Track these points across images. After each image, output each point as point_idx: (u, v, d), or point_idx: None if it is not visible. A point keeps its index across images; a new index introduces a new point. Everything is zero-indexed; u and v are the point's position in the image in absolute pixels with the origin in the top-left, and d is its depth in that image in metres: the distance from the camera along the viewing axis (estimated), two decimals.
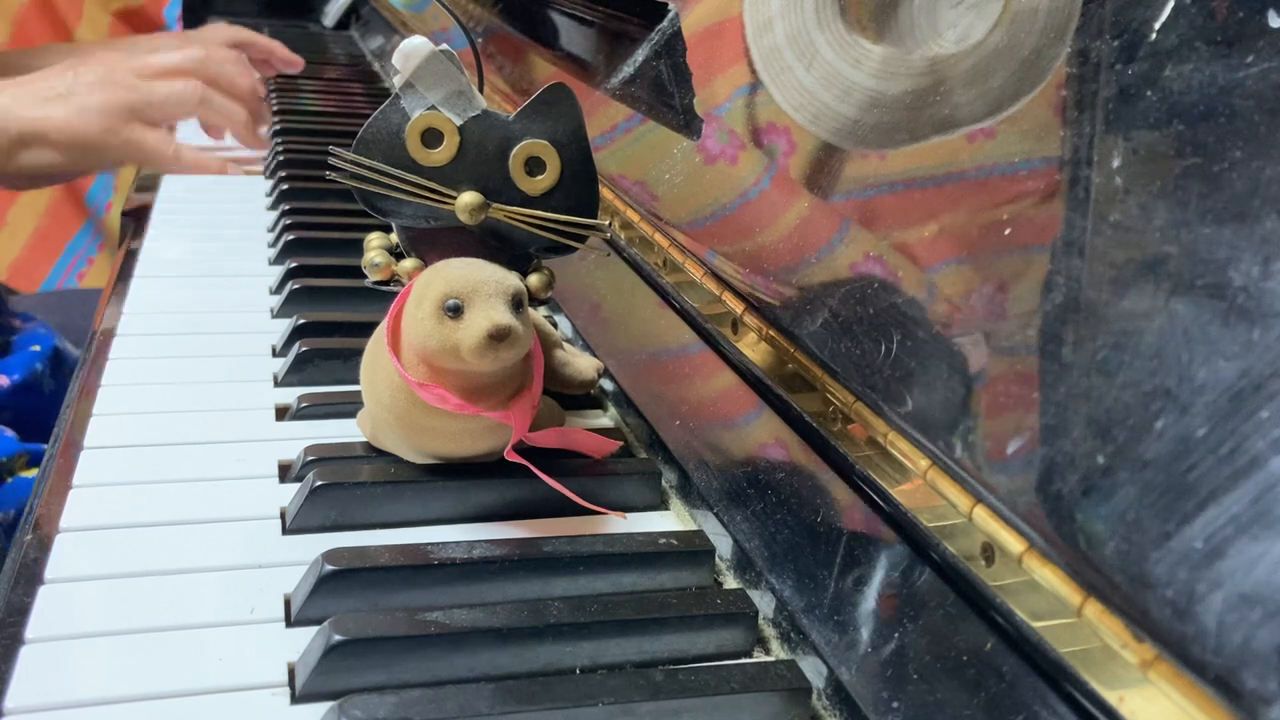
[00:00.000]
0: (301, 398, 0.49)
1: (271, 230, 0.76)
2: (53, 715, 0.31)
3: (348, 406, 0.48)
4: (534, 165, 0.41)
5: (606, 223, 0.43)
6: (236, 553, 0.39)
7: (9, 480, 0.73)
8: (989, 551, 0.30)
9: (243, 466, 0.45)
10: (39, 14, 1.65)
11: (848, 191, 0.40)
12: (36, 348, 0.87)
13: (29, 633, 0.34)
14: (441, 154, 0.41)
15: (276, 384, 0.52)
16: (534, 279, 0.43)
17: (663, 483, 0.45)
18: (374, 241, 0.44)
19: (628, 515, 0.43)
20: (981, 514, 0.30)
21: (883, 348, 0.35)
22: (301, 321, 0.55)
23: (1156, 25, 0.28)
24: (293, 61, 1.12)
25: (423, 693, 0.32)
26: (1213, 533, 0.23)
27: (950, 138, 0.35)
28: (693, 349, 0.49)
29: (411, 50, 0.40)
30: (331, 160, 0.41)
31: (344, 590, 0.36)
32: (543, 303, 0.47)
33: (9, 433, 0.76)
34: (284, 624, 0.36)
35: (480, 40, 0.89)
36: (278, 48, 1.11)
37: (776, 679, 0.34)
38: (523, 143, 0.41)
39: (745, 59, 0.48)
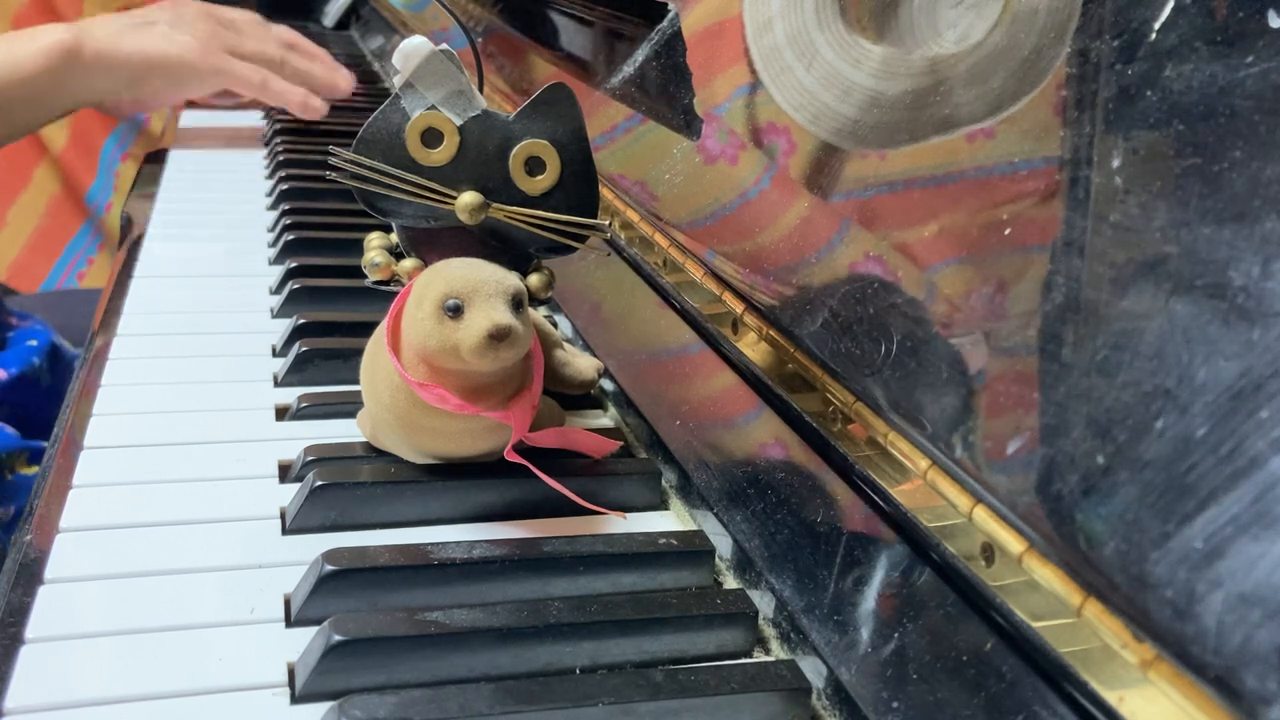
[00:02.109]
0: (301, 398, 0.49)
1: (271, 230, 0.76)
2: (53, 715, 0.31)
3: (348, 406, 0.48)
4: (534, 165, 0.41)
5: (606, 223, 0.43)
6: (236, 553, 0.39)
7: (9, 477, 0.73)
8: (989, 551, 0.30)
9: (243, 466, 0.45)
10: (39, 13, 1.65)
11: (848, 191, 0.40)
12: (34, 343, 0.87)
13: (29, 633, 0.34)
14: (441, 154, 0.41)
15: (276, 384, 0.52)
16: (534, 279, 0.43)
17: (663, 483, 0.45)
18: (374, 241, 0.44)
19: (628, 515, 0.43)
20: (981, 514, 0.30)
21: (883, 348, 0.35)
22: (301, 321, 0.55)
23: (1156, 25, 0.28)
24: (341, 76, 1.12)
25: (423, 693, 0.32)
26: (1213, 533, 0.23)
27: (950, 138, 0.35)
28: (693, 349, 0.49)
29: (411, 50, 0.40)
30: (331, 160, 0.41)
31: (344, 590, 0.36)
32: (543, 303, 0.47)
33: (10, 430, 0.76)
34: (284, 624, 0.36)
35: (480, 40, 0.89)
36: (323, 55, 1.10)
37: (776, 679, 0.34)
38: (523, 143, 0.41)
39: (745, 59, 0.48)
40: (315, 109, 0.95)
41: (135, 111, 0.93)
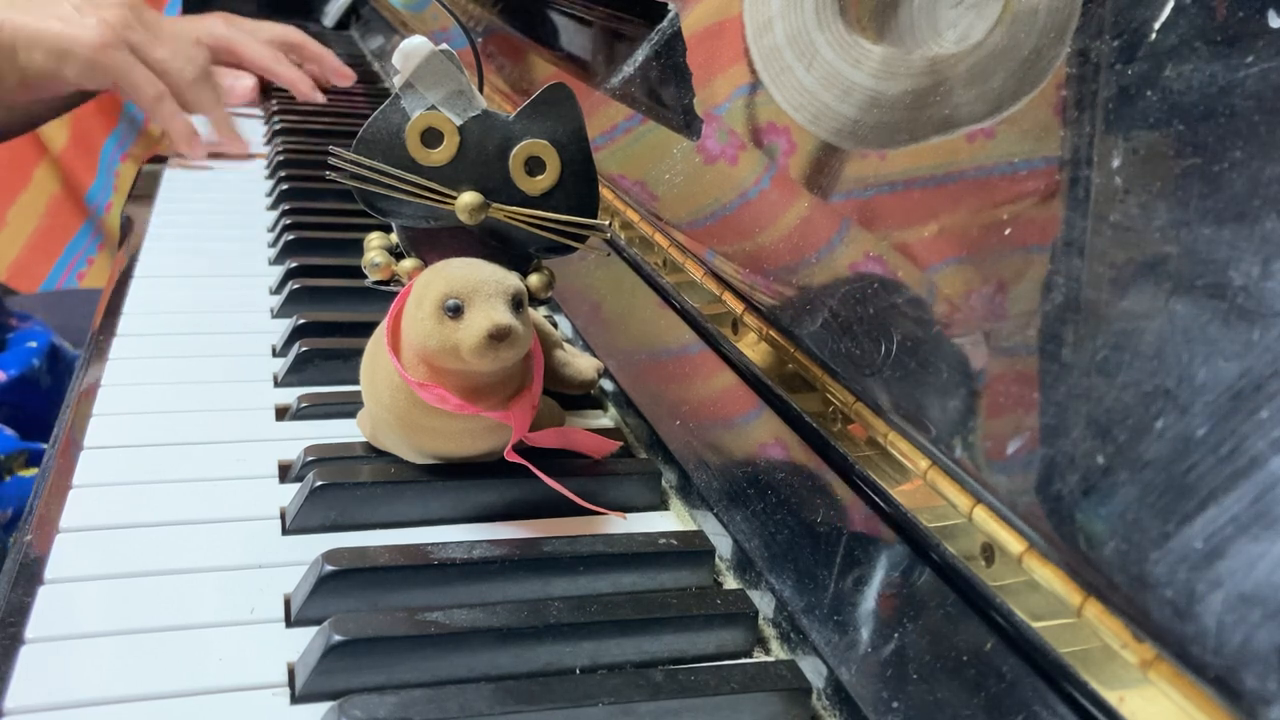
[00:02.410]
0: (301, 398, 0.49)
1: (271, 230, 0.76)
2: (53, 715, 0.31)
3: (348, 406, 0.48)
4: (534, 165, 0.41)
5: (606, 223, 0.43)
6: (236, 553, 0.39)
7: (7, 479, 0.73)
8: (989, 551, 0.30)
9: (243, 466, 0.45)
10: None
11: (848, 191, 0.40)
12: (33, 344, 0.87)
13: (29, 633, 0.34)
14: (441, 154, 0.41)
15: (276, 384, 0.52)
16: (534, 279, 0.43)
17: (663, 483, 0.45)
18: (374, 241, 0.44)
19: (628, 515, 0.43)
20: (981, 514, 0.30)
21: (883, 348, 0.35)
22: (301, 321, 0.55)
23: (1156, 25, 0.28)
24: (344, 73, 1.07)
25: (423, 693, 0.32)
26: (1213, 533, 0.23)
27: (950, 138, 0.35)
28: (693, 349, 0.49)
29: (411, 50, 0.40)
30: (331, 160, 0.41)
31: (344, 590, 0.36)
32: (543, 303, 0.47)
33: (9, 431, 0.76)
34: (284, 624, 0.36)
35: (480, 40, 0.89)
36: (329, 56, 1.06)
37: (776, 679, 0.34)
38: (523, 143, 0.41)
39: (745, 59, 0.48)
40: (198, 149, 0.88)
41: (22, 96, 0.84)
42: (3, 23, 0.80)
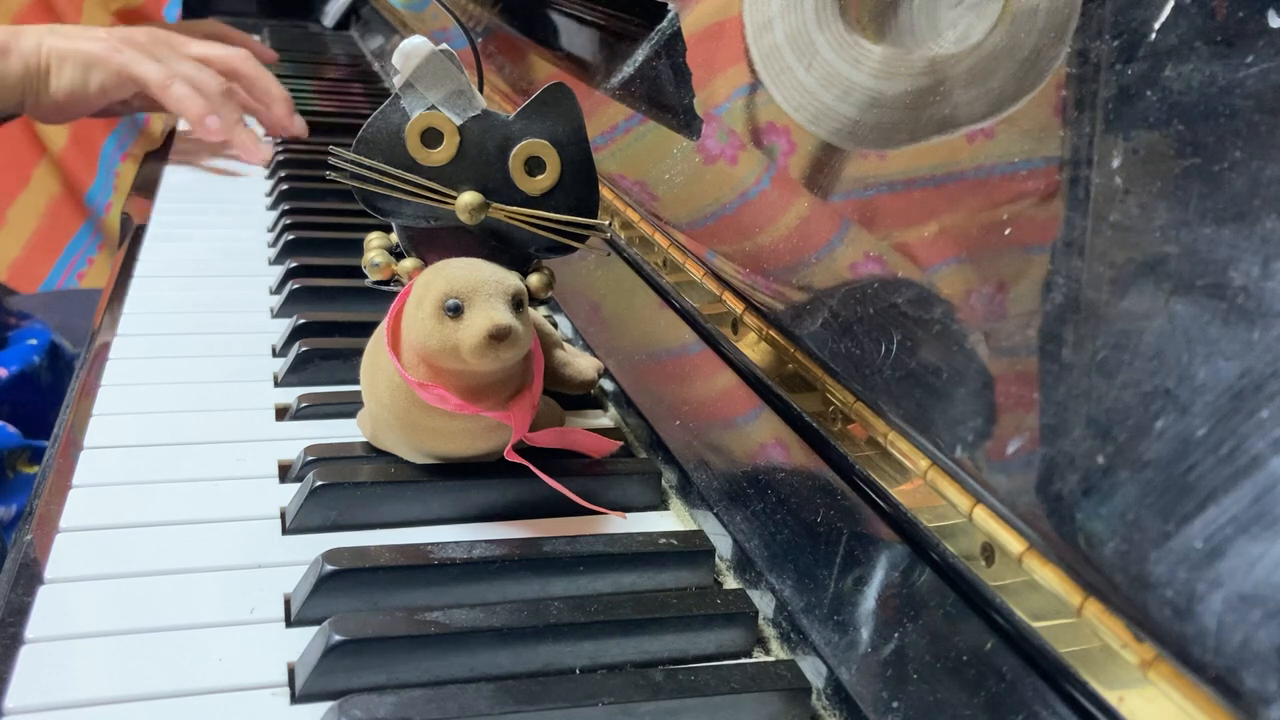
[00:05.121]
0: (301, 398, 0.49)
1: (271, 230, 0.76)
2: (53, 715, 0.31)
3: (348, 406, 0.48)
4: (534, 165, 0.41)
5: (606, 223, 0.43)
6: (236, 553, 0.39)
7: (11, 476, 0.73)
8: (989, 551, 0.30)
9: (243, 466, 0.45)
10: (39, 13, 1.65)
11: (848, 191, 0.40)
12: (34, 341, 0.87)
13: (29, 633, 0.34)
14: (441, 154, 0.41)
15: (276, 384, 0.52)
16: (534, 279, 0.43)
17: (663, 483, 0.45)
18: (374, 241, 0.44)
19: (628, 515, 0.43)
20: (981, 514, 0.30)
21: (883, 348, 0.35)
22: (301, 321, 0.55)
23: (1156, 25, 0.28)
24: (293, 131, 1.02)
25: (423, 693, 0.32)
26: (1213, 533, 0.23)
27: (950, 138, 0.35)
28: (693, 349, 0.49)
29: (411, 50, 0.40)
30: (331, 160, 0.41)
31: (344, 590, 0.36)
32: (543, 303, 0.47)
33: (11, 429, 0.76)
34: (284, 624, 0.36)
35: (480, 40, 0.89)
36: (279, 102, 1.01)
37: (776, 679, 0.34)
38: (523, 142, 0.41)
39: (745, 59, 0.48)
40: (211, 130, 0.90)
41: (57, 115, 0.92)
42: (40, 44, 0.88)
